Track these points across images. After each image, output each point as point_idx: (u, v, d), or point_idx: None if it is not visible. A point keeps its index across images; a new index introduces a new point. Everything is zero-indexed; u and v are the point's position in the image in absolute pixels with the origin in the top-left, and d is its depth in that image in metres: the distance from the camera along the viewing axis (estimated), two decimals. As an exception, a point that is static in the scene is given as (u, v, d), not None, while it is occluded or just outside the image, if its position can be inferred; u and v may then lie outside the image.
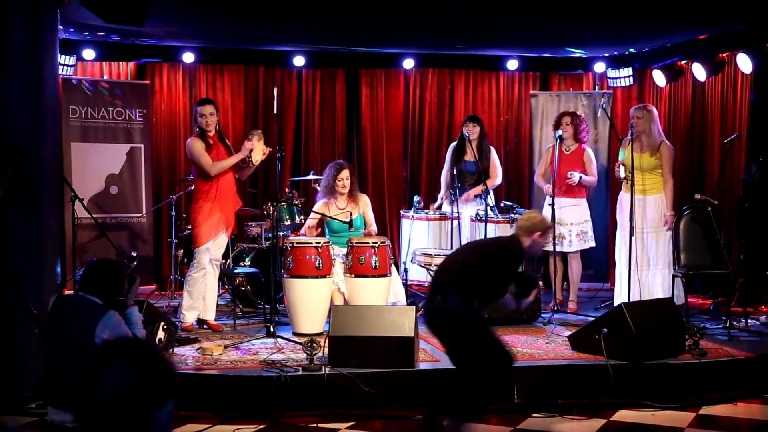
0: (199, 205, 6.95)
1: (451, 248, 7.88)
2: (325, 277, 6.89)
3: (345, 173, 7.48)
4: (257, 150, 6.90)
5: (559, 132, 8.00)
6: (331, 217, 7.33)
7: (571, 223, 8.08)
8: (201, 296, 6.97)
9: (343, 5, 7.37)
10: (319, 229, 7.76)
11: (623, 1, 7.13)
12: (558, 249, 8.00)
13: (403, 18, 7.90)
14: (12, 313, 5.63)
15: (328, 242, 7.03)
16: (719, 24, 7.97)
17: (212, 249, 7.00)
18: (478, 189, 8.19)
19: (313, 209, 7.60)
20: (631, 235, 7.34)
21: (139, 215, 9.09)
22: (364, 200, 7.69)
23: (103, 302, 4.68)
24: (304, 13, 7.72)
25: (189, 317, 6.95)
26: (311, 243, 6.91)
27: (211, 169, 6.88)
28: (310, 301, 6.84)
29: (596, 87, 10.44)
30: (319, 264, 6.81)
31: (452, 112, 10.37)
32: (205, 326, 7.04)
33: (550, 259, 8.13)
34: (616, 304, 7.79)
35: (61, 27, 7.62)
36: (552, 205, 7.81)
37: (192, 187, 7.43)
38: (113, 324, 4.58)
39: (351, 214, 7.28)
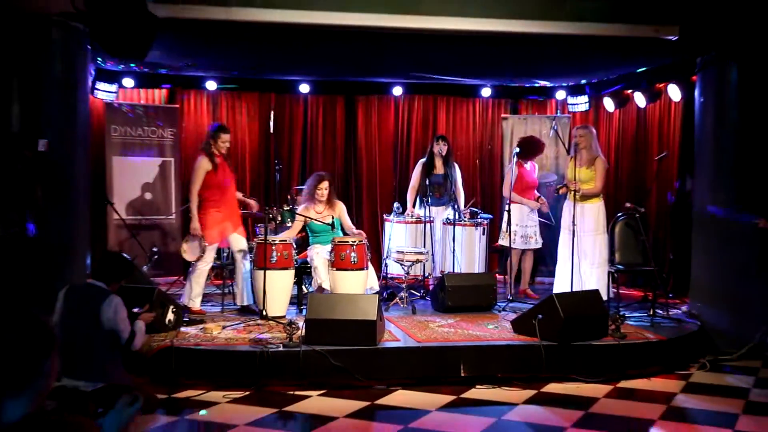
0: (207, 212, 7.01)
1: (424, 247, 8.00)
2: (287, 269, 6.97)
3: (324, 184, 7.48)
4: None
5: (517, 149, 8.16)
6: (314, 220, 7.40)
7: (533, 225, 8.35)
8: (204, 285, 7.11)
9: (343, 44, 7.46)
10: (303, 233, 7.77)
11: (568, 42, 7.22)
12: (527, 247, 8.31)
13: (394, 55, 8.02)
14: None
15: (286, 240, 7.07)
16: (652, 60, 8.03)
17: (234, 244, 7.15)
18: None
19: (297, 213, 7.64)
20: (573, 236, 7.44)
21: (167, 217, 9.26)
22: (340, 206, 7.64)
23: (108, 287, 4.84)
24: (307, 50, 7.82)
25: (197, 302, 7.07)
26: (276, 241, 6.97)
27: (191, 193, 6.97)
28: (271, 289, 6.85)
29: (558, 111, 10.51)
30: (277, 258, 6.88)
31: (435, 132, 10.44)
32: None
33: (513, 254, 8.27)
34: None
35: (100, 60, 7.87)
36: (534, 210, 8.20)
37: None
38: (115, 304, 4.75)
39: (332, 218, 7.39)
